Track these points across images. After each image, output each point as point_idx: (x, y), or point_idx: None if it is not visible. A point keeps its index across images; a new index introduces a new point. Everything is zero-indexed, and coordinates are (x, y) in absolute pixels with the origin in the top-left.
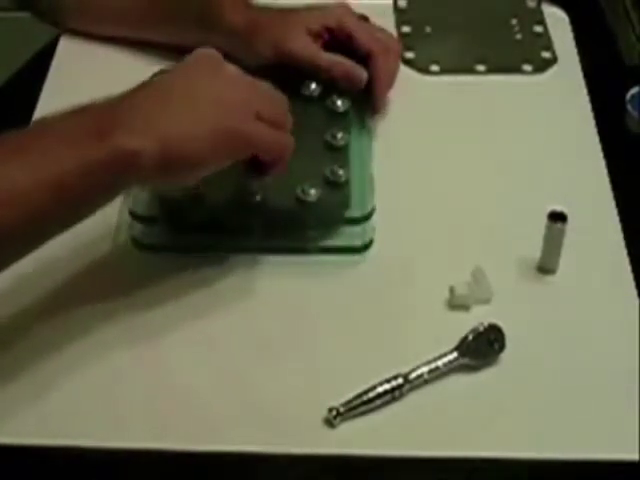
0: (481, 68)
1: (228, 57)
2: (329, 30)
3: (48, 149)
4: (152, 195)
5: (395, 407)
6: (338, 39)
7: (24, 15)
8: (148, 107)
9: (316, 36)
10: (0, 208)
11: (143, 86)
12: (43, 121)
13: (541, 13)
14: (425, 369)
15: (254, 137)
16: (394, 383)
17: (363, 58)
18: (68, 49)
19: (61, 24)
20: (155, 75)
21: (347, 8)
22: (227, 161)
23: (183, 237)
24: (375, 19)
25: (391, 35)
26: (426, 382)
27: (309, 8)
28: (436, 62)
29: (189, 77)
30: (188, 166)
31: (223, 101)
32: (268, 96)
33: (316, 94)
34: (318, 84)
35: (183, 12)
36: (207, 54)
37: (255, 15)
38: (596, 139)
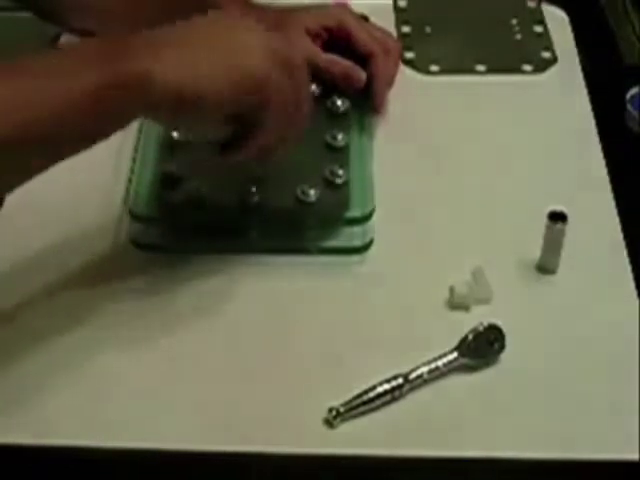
0: (481, 68)
1: None
2: (328, 30)
3: (63, 66)
4: (152, 195)
5: (395, 407)
6: (337, 39)
7: (24, 15)
8: (165, 40)
9: (315, 36)
10: (18, 111)
11: (163, 27)
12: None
13: (541, 13)
14: (425, 369)
15: (270, 80)
16: (394, 383)
17: (363, 58)
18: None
19: (62, 23)
20: None
21: (346, 8)
22: (240, 104)
23: (183, 237)
24: (375, 19)
25: (391, 35)
26: (426, 382)
27: (308, 8)
28: (436, 62)
29: (209, 22)
30: (200, 102)
31: (241, 43)
32: (288, 45)
33: (316, 94)
34: (318, 85)
35: (182, 11)
36: (228, 11)
37: (254, 15)
38: (596, 139)
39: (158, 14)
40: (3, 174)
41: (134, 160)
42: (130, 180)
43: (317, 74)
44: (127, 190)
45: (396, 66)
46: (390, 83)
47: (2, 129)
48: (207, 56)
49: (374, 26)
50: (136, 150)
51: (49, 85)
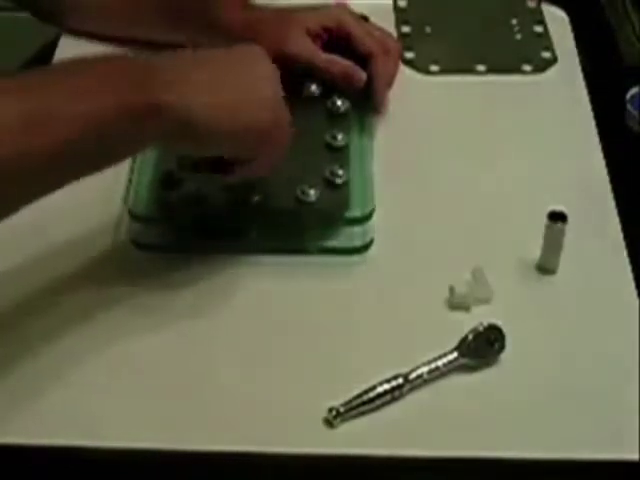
0: (481, 68)
1: None
2: (328, 30)
3: (89, 85)
4: (152, 195)
5: (395, 407)
6: (337, 39)
7: (24, 15)
8: (187, 70)
9: (315, 36)
10: (37, 128)
11: (185, 53)
12: (79, 60)
13: (541, 13)
14: (425, 369)
15: (273, 130)
16: (394, 383)
17: (363, 58)
18: (68, 49)
19: (60, 24)
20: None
21: (346, 8)
22: (244, 146)
23: (183, 237)
24: (375, 19)
25: (391, 35)
26: (426, 382)
27: (308, 8)
28: (436, 62)
29: (230, 58)
30: (209, 139)
31: (255, 91)
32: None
33: (316, 95)
34: (318, 85)
35: (182, 12)
36: (252, 47)
37: (254, 15)
38: (596, 139)
39: (157, 15)
40: (5, 197)
41: (134, 160)
42: (130, 180)
43: (317, 74)
44: (127, 190)
45: (396, 66)
46: (390, 83)
47: (12, 149)
48: (226, 97)
49: (374, 26)
50: None
51: (67, 108)
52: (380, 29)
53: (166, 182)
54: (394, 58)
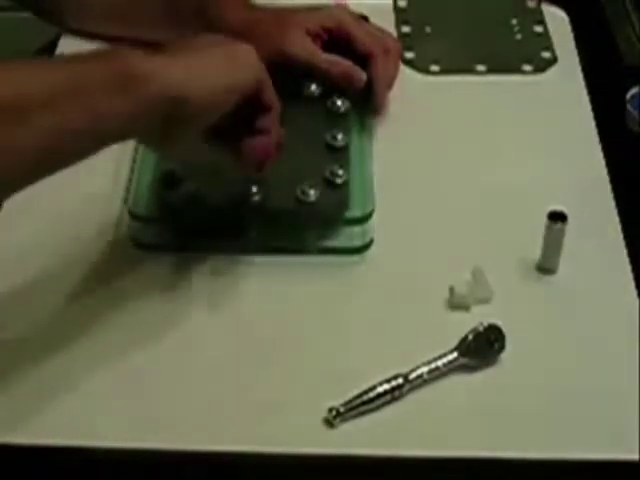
0: (481, 68)
1: None
2: (328, 31)
3: (88, 95)
4: (152, 195)
5: (395, 407)
6: (337, 40)
7: (24, 15)
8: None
9: (315, 37)
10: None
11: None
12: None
13: (541, 13)
14: (425, 369)
15: (264, 85)
16: (394, 383)
17: (363, 59)
18: (68, 49)
19: (60, 23)
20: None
21: (346, 9)
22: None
23: (182, 237)
24: (375, 19)
25: (391, 35)
26: (426, 382)
27: (308, 9)
28: (436, 62)
29: (207, 41)
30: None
31: (237, 58)
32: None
33: (316, 95)
34: (318, 85)
35: (182, 12)
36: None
37: (253, 15)
38: (596, 139)
39: (157, 15)
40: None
41: (134, 160)
42: (130, 180)
43: (317, 74)
44: (127, 190)
45: (396, 67)
46: (390, 84)
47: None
48: (208, 64)
49: (374, 26)
50: (136, 150)
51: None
52: (380, 29)
53: (166, 182)
54: (394, 59)
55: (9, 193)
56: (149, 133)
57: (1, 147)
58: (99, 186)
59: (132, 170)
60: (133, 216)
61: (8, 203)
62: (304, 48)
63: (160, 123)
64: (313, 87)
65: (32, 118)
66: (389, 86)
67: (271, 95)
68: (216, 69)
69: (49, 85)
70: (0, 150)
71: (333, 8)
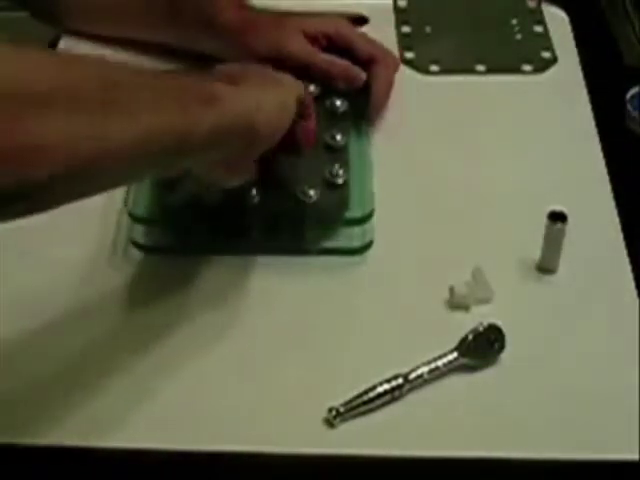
0: (481, 68)
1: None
2: (326, 37)
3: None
4: (152, 197)
5: (395, 407)
6: (336, 46)
7: (24, 15)
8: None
9: (313, 40)
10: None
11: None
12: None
13: (541, 13)
14: (425, 369)
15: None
16: (394, 383)
17: (361, 64)
18: (68, 49)
19: (60, 25)
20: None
21: (344, 19)
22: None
23: (183, 239)
24: (375, 19)
25: (389, 49)
26: (426, 382)
27: (306, 14)
28: (436, 62)
29: (256, 70)
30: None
31: (283, 83)
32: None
33: (315, 95)
34: (317, 85)
35: (179, 12)
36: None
37: (251, 15)
38: (596, 139)
39: (155, 15)
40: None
41: None
42: None
43: (316, 74)
44: (127, 192)
45: (394, 75)
46: (388, 92)
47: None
48: (267, 92)
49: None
50: None
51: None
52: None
53: (166, 184)
54: (394, 64)
55: (101, 188)
56: (226, 153)
57: (100, 137)
58: None
59: None
60: (133, 218)
61: None
62: (303, 48)
63: (237, 143)
64: (312, 87)
65: (135, 112)
66: (388, 91)
67: (307, 95)
68: (274, 97)
69: (134, 85)
70: (99, 139)
71: (331, 16)
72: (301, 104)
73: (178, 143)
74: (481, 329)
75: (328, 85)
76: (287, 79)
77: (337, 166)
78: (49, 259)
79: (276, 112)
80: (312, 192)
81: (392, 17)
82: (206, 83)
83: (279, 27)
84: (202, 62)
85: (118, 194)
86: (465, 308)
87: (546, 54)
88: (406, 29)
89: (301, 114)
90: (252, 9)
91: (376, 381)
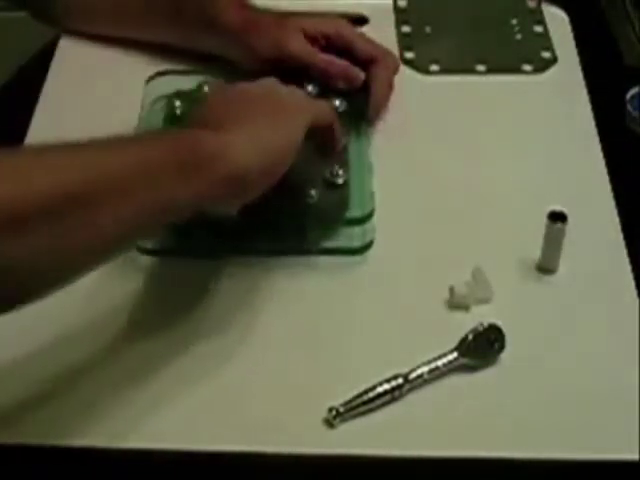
0: (481, 68)
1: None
2: (326, 37)
3: (155, 181)
4: None
5: (395, 407)
6: (336, 47)
7: (24, 15)
8: (234, 120)
9: (312, 39)
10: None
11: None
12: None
13: (541, 13)
14: (425, 369)
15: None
16: (394, 383)
17: (360, 65)
18: (68, 49)
19: (59, 25)
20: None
21: (344, 19)
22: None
23: (184, 240)
24: (375, 19)
25: (389, 50)
26: (426, 382)
27: (306, 14)
28: (436, 62)
29: (266, 95)
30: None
31: (286, 110)
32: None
33: (314, 95)
34: (316, 85)
35: (180, 12)
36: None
37: (252, 15)
38: (596, 139)
39: (155, 15)
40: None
41: None
42: None
43: (315, 74)
44: None
45: (393, 76)
46: (388, 94)
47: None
48: (265, 128)
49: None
50: None
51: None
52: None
53: None
54: (394, 65)
55: (88, 271)
56: (216, 207)
57: (78, 233)
58: None
59: None
60: None
61: None
62: (302, 47)
63: (227, 197)
64: (310, 87)
65: (103, 206)
66: (387, 92)
67: (329, 118)
68: (269, 136)
69: (119, 171)
70: (79, 233)
71: (331, 17)
72: (320, 125)
73: (158, 218)
74: (481, 329)
75: (327, 85)
76: (296, 102)
77: (337, 166)
78: None
79: (271, 156)
80: (312, 192)
81: (392, 17)
82: (186, 141)
83: (280, 27)
84: (202, 62)
85: None
86: (465, 308)
87: (546, 54)
88: (406, 29)
89: (323, 137)
90: (253, 9)
91: (376, 381)
